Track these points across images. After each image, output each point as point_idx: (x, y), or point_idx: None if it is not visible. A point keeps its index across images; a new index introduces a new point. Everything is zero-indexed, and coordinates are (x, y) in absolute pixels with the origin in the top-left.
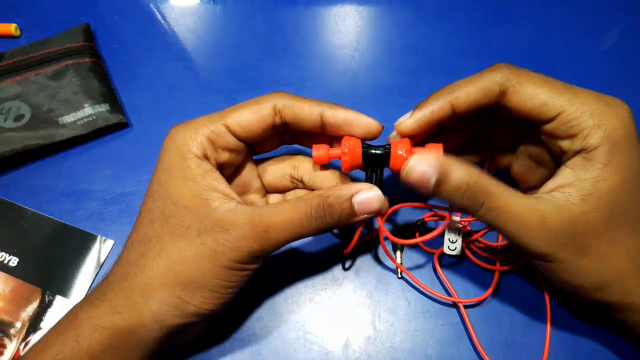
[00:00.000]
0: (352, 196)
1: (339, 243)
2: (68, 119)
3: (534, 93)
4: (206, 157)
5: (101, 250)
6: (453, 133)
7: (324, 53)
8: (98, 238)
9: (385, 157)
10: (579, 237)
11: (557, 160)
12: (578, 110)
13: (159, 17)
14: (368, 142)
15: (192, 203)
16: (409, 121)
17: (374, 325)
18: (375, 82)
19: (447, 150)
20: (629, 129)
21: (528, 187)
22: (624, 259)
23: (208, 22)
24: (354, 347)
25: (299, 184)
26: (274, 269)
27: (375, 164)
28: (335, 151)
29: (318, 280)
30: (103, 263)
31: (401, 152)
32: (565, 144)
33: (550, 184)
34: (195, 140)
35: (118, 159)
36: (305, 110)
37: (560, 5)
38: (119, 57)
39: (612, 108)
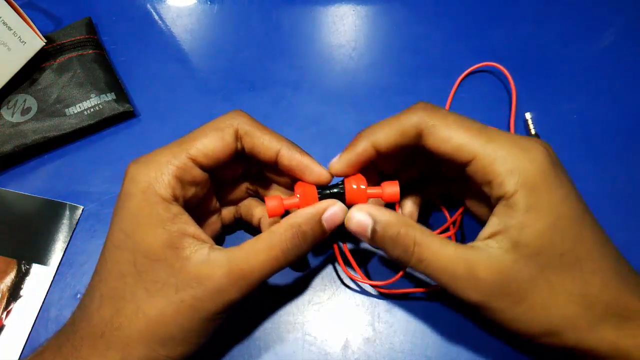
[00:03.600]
0: (320, 217)
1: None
2: (74, 109)
3: (447, 136)
4: (175, 198)
5: (72, 217)
6: (407, 166)
7: (321, 53)
8: (67, 205)
9: (342, 195)
10: (512, 286)
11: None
12: (491, 156)
13: (156, 17)
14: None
15: (164, 255)
16: (337, 165)
17: (373, 326)
18: (373, 82)
19: (403, 185)
20: (546, 171)
21: (483, 222)
22: (568, 304)
23: (205, 22)
24: (353, 348)
25: (252, 192)
26: None
27: None
28: (290, 201)
29: (317, 281)
30: (75, 229)
31: (355, 187)
32: (486, 189)
33: (483, 232)
34: (161, 181)
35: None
36: (264, 144)
37: (558, 4)
38: (116, 58)
39: (527, 152)
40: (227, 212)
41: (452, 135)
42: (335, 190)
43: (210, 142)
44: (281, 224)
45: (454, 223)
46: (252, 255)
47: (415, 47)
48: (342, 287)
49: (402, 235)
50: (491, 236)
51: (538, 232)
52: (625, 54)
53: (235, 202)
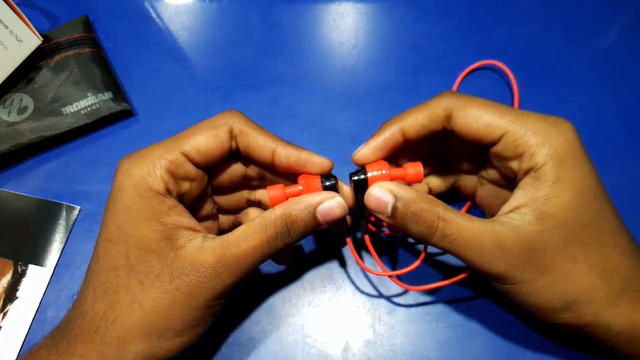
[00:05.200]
0: (314, 208)
1: (337, 243)
2: (71, 108)
3: (477, 115)
4: (168, 192)
5: (68, 217)
6: (422, 161)
7: (321, 50)
8: (64, 206)
9: (365, 181)
10: (538, 257)
11: (513, 182)
12: (521, 130)
13: (154, 15)
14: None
15: (158, 246)
16: (365, 149)
17: (374, 328)
18: (373, 80)
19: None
20: (574, 145)
21: (493, 213)
22: (589, 276)
23: (204, 20)
24: (354, 351)
25: (254, 203)
26: (272, 272)
27: (356, 190)
28: (293, 189)
29: (317, 283)
30: (71, 229)
31: (378, 173)
32: (514, 165)
33: (506, 207)
34: (154, 175)
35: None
36: (259, 144)
37: (559, 3)
38: (113, 56)
39: (555, 126)
40: (226, 219)
41: (481, 114)
42: (362, 176)
43: (204, 139)
44: (273, 210)
45: None
46: (243, 239)
47: (416, 45)
48: (343, 288)
49: (425, 210)
50: (514, 209)
51: (564, 203)
52: (627, 54)
53: (235, 212)
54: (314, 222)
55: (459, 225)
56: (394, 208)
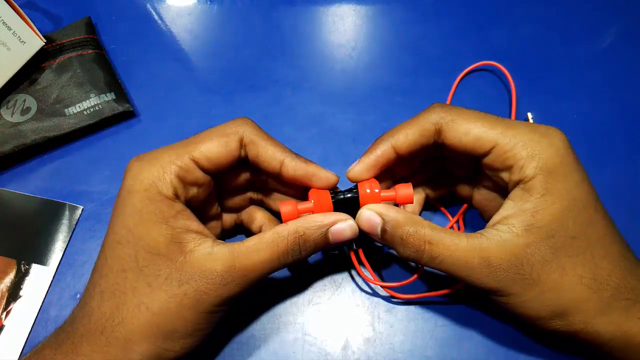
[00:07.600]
0: (327, 229)
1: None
2: (74, 109)
3: (467, 129)
4: (177, 196)
5: (71, 217)
6: (418, 169)
7: (321, 53)
8: (67, 205)
9: (355, 200)
10: (525, 270)
11: (506, 190)
12: (511, 142)
13: (156, 17)
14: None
15: (167, 250)
16: (358, 167)
17: (373, 326)
18: (373, 82)
19: (415, 185)
20: (564, 156)
21: (490, 215)
22: (578, 287)
23: (205, 22)
24: (353, 349)
25: (257, 202)
26: None
27: (346, 208)
28: (305, 206)
29: (317, 282)
30: (74, 229)
31: (369, 191)
32: (504, 176)
33: (496, 216)
34: (164, 180)
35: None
36: (268, 154)
37: (557, 4)
38: (116, 57)
39: (546, 137)
40: (229, 218)
41: (471, 127)
42: (349, 195)
43: (214, 146)
44: (287, 226)
45: (456, 222)
46: (254, 252)
47: (414, 46)
48: (342, 287)
49: (412, 234)
50: (503, 220)
51: (552, 215)
52: (625, 54)
53: (238, 210)
54: (324, 241)
55: (446, 246)
56: (383, 231)
